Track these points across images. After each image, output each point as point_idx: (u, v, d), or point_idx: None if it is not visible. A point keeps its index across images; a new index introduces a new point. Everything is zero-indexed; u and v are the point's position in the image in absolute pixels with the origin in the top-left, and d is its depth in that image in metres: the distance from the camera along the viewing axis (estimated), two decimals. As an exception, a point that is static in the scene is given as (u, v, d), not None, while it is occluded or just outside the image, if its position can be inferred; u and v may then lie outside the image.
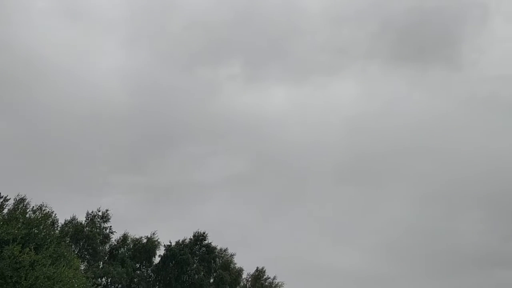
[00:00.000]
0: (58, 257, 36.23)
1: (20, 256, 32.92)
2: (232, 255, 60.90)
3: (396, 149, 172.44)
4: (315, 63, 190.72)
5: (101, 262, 51.08)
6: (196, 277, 56.21)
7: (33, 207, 40.81)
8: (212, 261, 59.02)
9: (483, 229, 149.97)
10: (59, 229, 47.23)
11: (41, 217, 39.06)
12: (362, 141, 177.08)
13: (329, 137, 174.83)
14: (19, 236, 34.73)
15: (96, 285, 41.13)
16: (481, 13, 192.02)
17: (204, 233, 59.96)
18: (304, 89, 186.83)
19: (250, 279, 62.80)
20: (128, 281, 53.16)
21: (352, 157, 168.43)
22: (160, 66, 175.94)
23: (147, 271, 57.35)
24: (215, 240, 60.75)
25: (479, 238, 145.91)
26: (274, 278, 64.97)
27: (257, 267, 63.91)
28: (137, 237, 56.74)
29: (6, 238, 34.05)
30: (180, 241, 58.17)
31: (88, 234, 52.44)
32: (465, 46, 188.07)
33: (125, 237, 55.67)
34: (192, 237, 59.72)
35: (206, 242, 59.82)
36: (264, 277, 63.79)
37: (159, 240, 57.50)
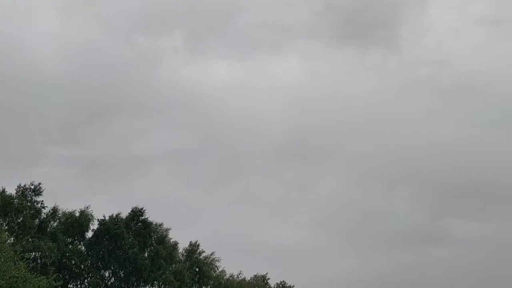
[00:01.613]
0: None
1: None
2: (167, 230, 60.67)
3: (335, 127, 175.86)
4: (259, 39, 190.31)
5: (30, 237, 49.52)
6: (131, 251, 55.50)
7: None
8: (148, 236, 58.44)
9: (414, 207, 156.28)
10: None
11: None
12: (303, 119, 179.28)
13: (271, 114, 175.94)
14: None
15: (25, 259, 39.89)
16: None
17: (142, 208, 59.17)
18: (247, 65, 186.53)
19: (185, 253, 62.90)
20: (59, 256, 51.95)
21: (292, 134, 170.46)
22: (99, 34, 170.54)
23: (79, 246, 56.25)
24: (153, 215, 60.18)
25: (410, 216, 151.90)
26: (212, 254, 65.47)
27: (191, 241, 64.06)
28: (69, 210, 55.60)
29: None
30: (114, 215, 57.17)
31: (18, 207, 50.89)
32: (405, 29, 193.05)
33: (55, 210, 54.24)
34: (130, 212, 58.84)
35: (143, 217, 59.02)
36: (199, 251, 64.02)
37: (93, 214, 56.53)
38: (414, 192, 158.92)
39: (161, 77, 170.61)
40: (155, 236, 59.02)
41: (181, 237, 63.59)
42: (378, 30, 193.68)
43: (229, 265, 70.63)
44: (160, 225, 60.17)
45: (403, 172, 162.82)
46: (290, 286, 77.64)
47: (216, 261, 65.60)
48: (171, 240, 60.96)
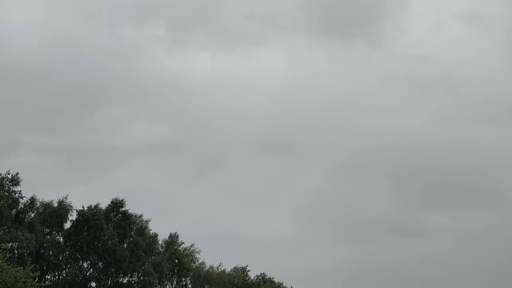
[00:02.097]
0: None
1: None
2: (147, 221, 60.27)
3: (315, 121, 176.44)
4: (242, 31, 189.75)
5: (7, 227, 48.73)
6: (110, 242, 55.01)
7: None
8: (128, 227, 57.96)
9: (391, 201, 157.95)
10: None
11: None
12: (283, 112, 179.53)
13: (253, 106, 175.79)
14: None
15: (1, 249, 39.29)
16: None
17: (122, 200, 58.55)
18: (230, 57, 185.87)
19: (164, 245, 62.60)
20: (37, 246, 51.25)
21: (273, 127, 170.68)
22: (80, 21, 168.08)
23: (57, 237, 55.58)
24: (133, 206, 59.65)
25: (387, 209, 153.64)
26: (192, 245, 65.25)
27: (170, 233, 63.81)
28: (48, 201, 54.86)
29: None
30: (93, 206, 56.56)
31: (-5, 197, 50.04)
32: (387, 24, 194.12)
33: (32, 200, 53.48)
34: (109, 204, 58.21)
35: (123, 209, 58.44)
36: (178, 242, 63.78)
37: (71, 205, 55.86)
38: (391, 185, 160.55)
39: (143, 68, 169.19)
40: (135, 228, 58.57)
41: (160, 228, 63.38)
42: (360, 24, 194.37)
43: (209, 257, 70.62)
44: (140, 216, 59.77)
45: (382, 166, 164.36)
46: (270, 278, 77.92)
47: (196, 252, 65.50)
48: (151, 232, 60.62)
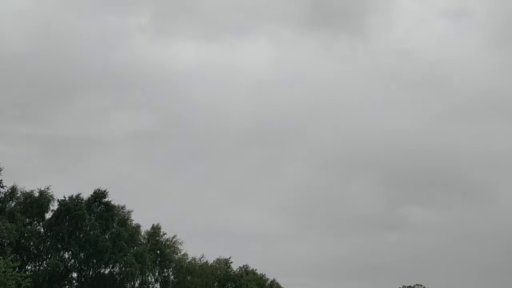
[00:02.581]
0: None
1: None
2: (129, 212, 59.83)
3: (300, 113, 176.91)
4: (227, 21, 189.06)
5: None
6: (92, 233, 54.52)
7: None
8: (110, 218, 57.49)
9: (373, 193, 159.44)
10: None
11: None
12: (268, 104, 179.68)
13: (237, 98, 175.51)
14: None
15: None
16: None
17: (105, 190, 57.98)
18: (215, 48, 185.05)
19: (146, 236, 62.25)
20: (17, 236, 50.60)
21: (257, 119, 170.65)
22: (62, 9, 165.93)
23: (38, 226, 54.93)
24: (114, 196, 59.19)
25: (369, 202, 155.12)
26: (174, 236, 64.96)
27: (153, 224, 63.45)
28: (28, 190, 54.13)
29: None
30: (74, 195, 55.95)
31: (-25, 187, 49.26)
32: (373, 18, 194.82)
33: (13, 190, 52.73)
34: (92, 194, 57.61)
35: (105, 200, 57.90)
36: (161, 233, 63.47)
37: (52, 195, 55.16)
38: (373, 179, 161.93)
39: (126, 56, 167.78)
40: (117, 219, 58.12)
41: (142, 219, 63.05)
42: (347, 18, 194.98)
43: (192, 248, 70.66)
44: (123, 207, 59.33)
45: (364, 159, 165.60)
46: (253, 270, 78.14)
47: (178, 244, 65.22)
48: (133, 223, 60.21)
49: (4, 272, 36.65)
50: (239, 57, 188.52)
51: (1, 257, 37.50)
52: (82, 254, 55.25)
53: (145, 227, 62.99)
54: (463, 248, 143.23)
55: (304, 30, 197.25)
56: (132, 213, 60.08)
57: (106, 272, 56.77)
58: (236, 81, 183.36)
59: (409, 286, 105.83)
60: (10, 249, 47.71)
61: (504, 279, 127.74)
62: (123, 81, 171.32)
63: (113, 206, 57.65)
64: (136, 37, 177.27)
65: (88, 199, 56.78)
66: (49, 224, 54.36)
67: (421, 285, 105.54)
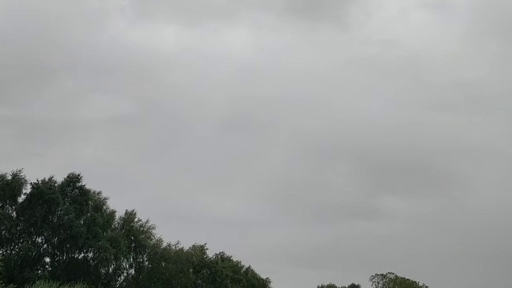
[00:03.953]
0: None
1: None
2: (105, 198, 59.18)
3: (279, 100, 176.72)
4: (209, 6, 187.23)
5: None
6: (66, 218, 53.81)
7: None
8: (85, 203, 56.81)
9: (350, 183, 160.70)
10: None
11: None
12: (248, 90, 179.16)
13: (217, 83, 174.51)
14: None
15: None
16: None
17: (78, 175, 57.15)
18: (196, 32, 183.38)
19: (120, 221, 61.70)
20: (-12, 220, 49.73)
21: (237, 105, 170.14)
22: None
23: (10, 210, 53.96)
24: (90, 181, 58.46)
25: (345, 191, 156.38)
26: (147, 221, 64.43)
27: (127, 210, 62.90)
28: (0, 173, 53.05)
29: None
30: (47, 179, 55.07)
31: None
32: (354, 7, 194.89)
33: (-16, 172, 51.71)
34: (65, 178, 56.78)
35: (80, 184, 57.12)
36: (135, 219, 62.96)
37: (26, 178, 54.18)
38: (350, 168, 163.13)
39: (105, 39, 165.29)
40: (92, 204, 57.46)
41: (119, 204, 62.42)
42: (328, 6, 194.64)
43: (168, 234, 70.30)
44: (99, 193, 58.65)
45: (342, 147, 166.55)
46: (228, 257, 78.18)
47: (151, 228, 64.70)
48: (108, 210, 59.57)
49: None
50: (220, 43, 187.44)
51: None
52: (56, 239, 54.53)
53: (121, 213, 62.53)
54: (436, 237, 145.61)
55: (286, 17, 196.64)
56: (108, 200, 59.57)
57: (80, 257, 56.17)
58: (217, 67, 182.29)
59: (381, 274, 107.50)
60: (-19, 233, 46.85)
61: (476, 267, 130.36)
62: (102, 65, 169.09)
63: (88, 191, 56.95)
64: (116, 20, 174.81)
65: (62, 183, 55.94)
66: (22, 208, 53.42)
67: (393, 273, 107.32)
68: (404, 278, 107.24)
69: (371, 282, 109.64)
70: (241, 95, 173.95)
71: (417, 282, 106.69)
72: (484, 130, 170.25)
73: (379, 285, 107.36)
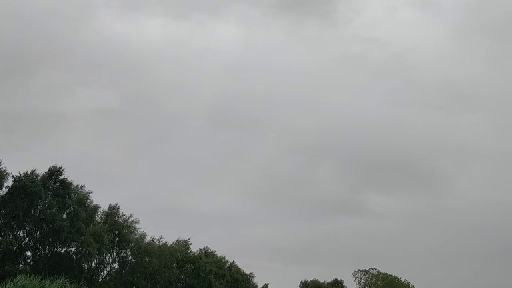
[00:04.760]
0: None
1: None
2: (88, 193, 58.65)
3: (268, 96, 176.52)
4: (197, 0, 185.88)
5: None
6: (49, 211, 53.27)
7: None
8: (67, 196, 56.22)
9: (336, 179, 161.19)
10: None
11: None
12: (236, 85, 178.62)
13: (204, 78, 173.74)
14: None
15: None
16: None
17: (60, 168, 56.47)
18: (183, 25, 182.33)
19: (104, 216, 61.31)
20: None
21: (224, 101, 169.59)
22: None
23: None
24: (73, 175, 57.86)
25: (331, 188, 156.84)
26: (130, 216, 64.10)
27: (110, 204, 62.53)
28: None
29: None
30: (29, 172, 54.44)
31: None
32: (341, 4, 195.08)
33: (-36, 164, 50.93)
34: (47, 171, 56.08)
35: (62, 177, 56.46)
36: (119, 214, 62.62)
37: (7, 171, 53.51)
38: (337, 165, 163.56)
39: (91, 31, 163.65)
40: (75, 198, 56.92)
41: (103, 198, 62.00)
42: (316, 2, 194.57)
43: (153, 229, 70.00)
44: (82, 187, 58.13)
45: (329, 145, 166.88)
46: (212, 252, 78.16)
47: (135, 223, 64.43)
48: (92, 204, 59.09)
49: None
50: (208, 37, 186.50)
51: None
52: (38, 232, 53.96)
53: (105, 207, 62.12)
54: (421, 235, 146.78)
55: (274, 12, 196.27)
56: (92, 194, 59.04)
57: (63, 251, 55.65)
58: (205, 61, 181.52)
59: (364, 270, 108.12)
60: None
61: (460, 265, 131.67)
62: (89, 57, 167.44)
63: (70, 184, 56.32)
64: (102, 12, 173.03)
65: (43, 176, 55.33)
66: (3, 201, 52.78)
67: (375, 269, 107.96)
68: (387, 273, 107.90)
69: (354, 278, 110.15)
70: (230, 90, 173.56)
71: (399, 278, 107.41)
72: (472, 129, 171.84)
73: (362, 281, 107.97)
